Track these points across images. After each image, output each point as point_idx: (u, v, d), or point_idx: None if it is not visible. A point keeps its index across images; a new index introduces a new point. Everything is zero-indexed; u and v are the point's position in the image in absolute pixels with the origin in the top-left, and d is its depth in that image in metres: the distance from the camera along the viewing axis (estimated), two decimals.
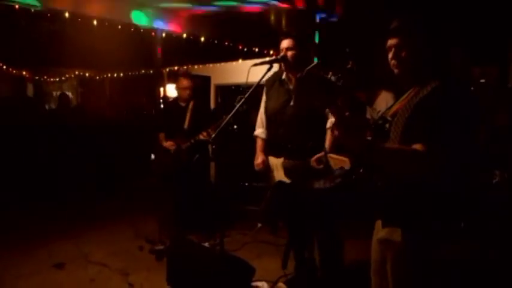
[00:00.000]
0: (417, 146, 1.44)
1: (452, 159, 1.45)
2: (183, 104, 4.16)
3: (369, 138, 1.59)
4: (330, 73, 1.46)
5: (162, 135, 4.20)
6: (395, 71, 1.63)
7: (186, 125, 4.09)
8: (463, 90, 1.53)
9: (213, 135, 2.62)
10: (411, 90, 1.59)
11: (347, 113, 1.41)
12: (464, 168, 1.50)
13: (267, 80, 2.90)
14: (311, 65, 2.47)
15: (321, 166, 2.59)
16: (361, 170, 1.62)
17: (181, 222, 4.11)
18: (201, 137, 3.84)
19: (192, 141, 3.95)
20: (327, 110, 2.48)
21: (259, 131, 3.04)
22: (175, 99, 4.36)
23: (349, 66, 2.51)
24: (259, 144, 3.03)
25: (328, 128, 2.68)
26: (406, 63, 1.59)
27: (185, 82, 4.09)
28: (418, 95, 1.51)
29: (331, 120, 2.64)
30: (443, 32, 1.59)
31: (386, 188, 1.54)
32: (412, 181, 1.47)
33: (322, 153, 2.60)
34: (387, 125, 1.56)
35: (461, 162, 1.47)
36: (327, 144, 2.65)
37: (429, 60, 1.58)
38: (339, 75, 1.47)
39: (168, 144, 4.09)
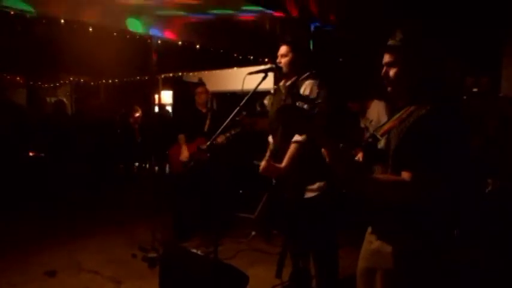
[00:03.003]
0: (405, 175, 1.44)
1: (442, 186, 1.45)
2: (203, 110, 4.59)
3: (359, 158, 1.61)
4: (301, 103, 1.49)
5: (182, 137, 4.52)
6: (389, 88, 1.62)
7: (206, 129, 4.46)
8: (454, 117, 1.53)
9: (208, 143, 2.63)
10: (404, 110, 1.56)
11: (341, 145, 1.44)
12: (455, 192, 1.51)
13: (274, 88, 2.96)
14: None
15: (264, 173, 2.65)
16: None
17: (182, 227, 4.35)
18: (219, 140, 4.09)
19: (214, 142, 4.07)
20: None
21: (270, 137, 3.07)
22: (195, 105, 4.70)
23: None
24: (268, 149, 3.05)
25: (293, 142, 2.63)
26: (397, 82, 1.57)
27: (200, 89, 4.67)
28: (409, 117, 1.49)
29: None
30: (439, 54, 1.58)
31: (374, 205, 1.56)
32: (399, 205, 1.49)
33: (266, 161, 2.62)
34: (378, 144, 1.57)
35: (451, 189, 1.48)
36: (288, 154, 2.62)
37: (423, 81, 1.55)
38: (313, 103, 1.50)
39: (184, 154, 4.40)
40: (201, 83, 4.83)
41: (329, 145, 1.44)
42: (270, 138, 3.06)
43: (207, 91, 4.68)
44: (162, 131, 6.92)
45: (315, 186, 2.67)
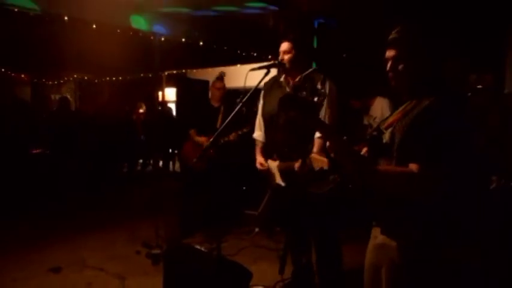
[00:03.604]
0: (412, 166, 1.44)
1: (448, 179, 1.45)
2: (216, 105, 4.48)
3: (364, 152, 1.61)
4: (304, 93, 1.46)
5: (193, 132, 4.47)
6: (392, 82, 1.61)
7: (218, 125, 4.33)
8: (457, 108, 1.52)
9: (211, 140, 2.62)
10: (407, 103, 1.57)
11: (344, 137, 1.43)
12: (460, 186, 1.50)
13: (265, 83, 2.91)
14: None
15: (304, 170, 2.58)
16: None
17: (187, 224, 4.37)
18: (231, 138, 4.16)
19: (226, 139, 4.17)
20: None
21: (257, 133, 3.04)
22: (208, 100, 4.61)
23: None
24: (257, 147, 3.03)
25: (317, 138, 2.64)
26: (403, 76, 1.57)
27: (219, 84, 4.51)
28: (413, 110, 1.50)
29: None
30: (441, 46, 1.57)
31: (382, 199, 1.55)
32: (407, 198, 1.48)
33: (305, 158, 2.60)
34: (383, 137, 1.56)
35: (456, 181, 1.48)
36: (315, 149, 2.63)
37: (427, 74, 1.55)
38: (316, 93, 1.47)
39: (201, 139, 4.33)
40: (219, 78, 4.68)
41: (334, 138, 1.43)
42: (256, 135, 3.04)
43: (224, 87, 4.56)
44: (164, 128, 6.94)
45: (330, 179, 2.66)
